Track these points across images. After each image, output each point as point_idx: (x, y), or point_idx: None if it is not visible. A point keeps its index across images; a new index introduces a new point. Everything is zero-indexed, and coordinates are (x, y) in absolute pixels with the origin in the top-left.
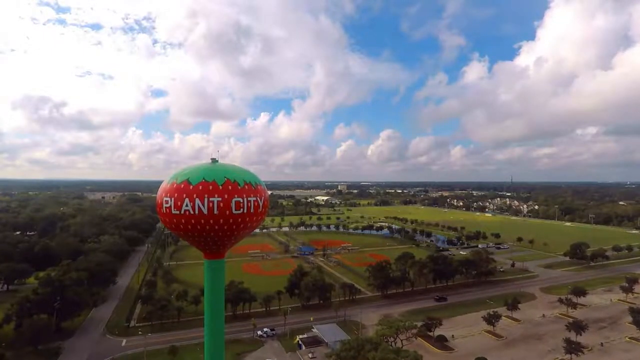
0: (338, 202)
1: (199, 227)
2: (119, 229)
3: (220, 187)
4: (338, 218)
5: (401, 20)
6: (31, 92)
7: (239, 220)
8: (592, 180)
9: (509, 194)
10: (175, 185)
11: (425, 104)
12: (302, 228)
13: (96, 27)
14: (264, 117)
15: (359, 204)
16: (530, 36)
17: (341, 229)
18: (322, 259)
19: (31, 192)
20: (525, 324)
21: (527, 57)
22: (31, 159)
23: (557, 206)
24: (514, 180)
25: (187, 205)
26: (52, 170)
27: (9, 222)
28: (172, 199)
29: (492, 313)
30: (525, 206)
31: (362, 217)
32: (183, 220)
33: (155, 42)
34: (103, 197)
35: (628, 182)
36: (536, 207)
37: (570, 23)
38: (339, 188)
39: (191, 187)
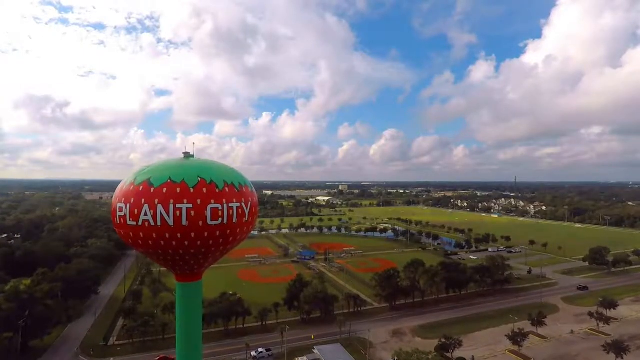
0: (339, 203)
1: (162, 242)
2: (109, 231)
3: (192, 189)
4: (340, 219)
5: (413, 17)
6: (33, 91)
7: (217, 233)
8: (594, 180)
9: (512, 194)
10: (132, 186)
11: (430, 103)
12: (302, 230)
13: (99, 26)
14: (267, 116)
15: (361, 204)
16: (537, 34)
17: (343, 231)
18: (323, 264)
19: (29, 192)
20: (554, 342)
21: (533, 55)
22: (33, 159)
23: (566, 207)
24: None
25: (146, 214)
26: (54, 171)
27: None
28: (128, 205)
29: (517, 331)
30: (532, 207)
31: (364, 218)
32: (141, 234)
33: (159, 41)
34: (101, 197)
35: (631, 182)
36: (543, 207)
37: (577, 21)
38: (340, 188)
39: (152, 189)
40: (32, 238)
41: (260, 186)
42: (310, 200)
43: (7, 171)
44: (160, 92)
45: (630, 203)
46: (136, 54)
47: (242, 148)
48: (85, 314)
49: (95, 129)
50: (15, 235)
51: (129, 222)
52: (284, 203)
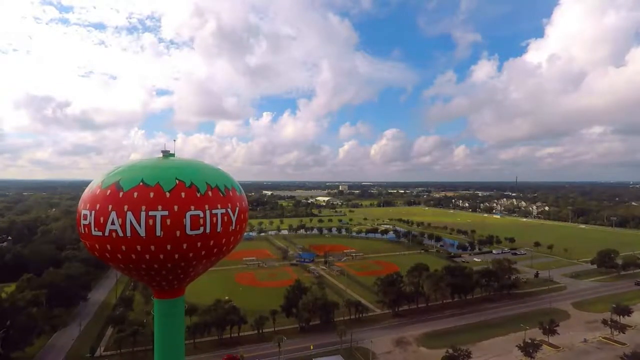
0: (340, 203)
1: (133, 256)
2: None
3: (168, 193)
4: (340, 220)
5: (417, 16)
6: (34, 91)
7: (198, 244)
8: (595, 179)
9: (513, 194)
10: (99, 190)
11: (432, 102)
12: (302, 231)
13: (99, 26)
14: (268, 116)
15: (362, 204)
16: (539, 34)
17: (343, 232)
18: (323, 267)
19: (27, 192)
20: (567, 353)
21: (535, 54)
22: (33, 159)
23: (569, 207)
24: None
25: (113, 223)
26: (54, 171)
27: None
28: (93, 212)
29: (529, 340)
30: (534, 207)
31: (365, 219)
32: (109, 246)
33: (160, 40)
34: None
35: (631, 182)
36: (546, 208)
37: (580, 20)
38: (340, 188)
39: (121, 193)
40: (24, 240)
41: (260, 186)
42: (310, 200)
43: (7, 171)
44: (161, 92)
45: (634, 203)
46: (137, 53)
47: (242, 148)
48: (72, 322)
49: (96, 129)
50: (7, 238)
51: (94, 232)
52: (284, 203)
